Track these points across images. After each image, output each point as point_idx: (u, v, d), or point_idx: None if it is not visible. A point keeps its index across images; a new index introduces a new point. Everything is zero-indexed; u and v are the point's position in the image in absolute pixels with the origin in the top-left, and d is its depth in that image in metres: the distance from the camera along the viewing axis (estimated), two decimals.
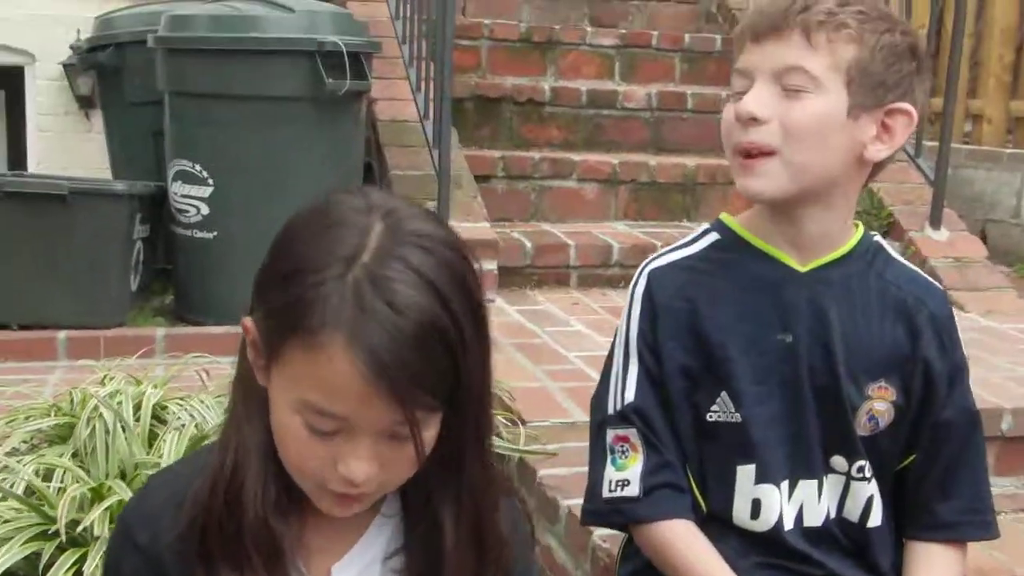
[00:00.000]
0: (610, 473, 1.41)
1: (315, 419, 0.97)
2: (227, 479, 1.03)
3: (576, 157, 3.98)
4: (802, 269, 1.40)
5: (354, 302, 0.94)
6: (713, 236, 1.46)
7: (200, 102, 3.28)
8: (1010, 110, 4.77)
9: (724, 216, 1.47)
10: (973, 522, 1.47)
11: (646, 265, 1.45)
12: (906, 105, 1.35)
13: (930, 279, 1.49)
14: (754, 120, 1.31)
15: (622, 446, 1.41)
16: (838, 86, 1.31)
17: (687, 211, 4.03)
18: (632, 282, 1.46)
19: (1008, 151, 4.62)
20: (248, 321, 1.03)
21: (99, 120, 5.14)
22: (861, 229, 1.44)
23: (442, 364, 0.96)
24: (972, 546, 2.15)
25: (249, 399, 1.05)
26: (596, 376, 2.63)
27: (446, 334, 0.96)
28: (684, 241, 1.47)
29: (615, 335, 1.48)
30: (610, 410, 1.43)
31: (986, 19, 4.90)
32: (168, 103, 3.38)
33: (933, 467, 1.44)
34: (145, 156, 3.70)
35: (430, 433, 1.00)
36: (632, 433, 1.40)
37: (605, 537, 1.86)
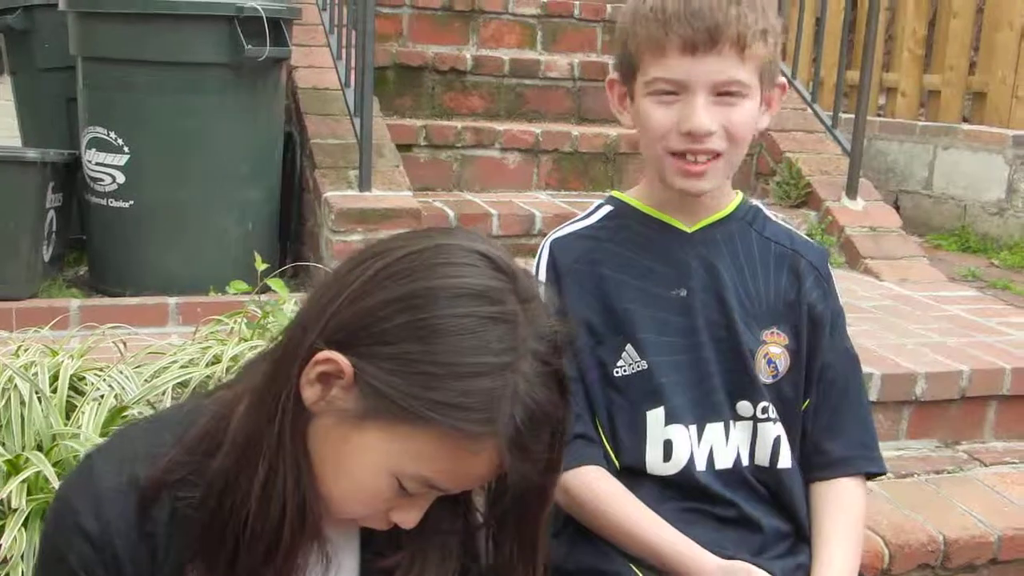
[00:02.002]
0: None
1: (415, 487, 1.00)
2: (260, 488, 1.01)
3: (499, 127, 3.97)
4: (689, 230, 1.53)
5: (513, 412, 0.97)
6: (607, 208, 1.58)
7: (115, 68, 3.20)
8: (923, 83, 4.86)
9: (615, 192, 1.60)
10: (864, 456, 1.57)
11: (548, 238, 1.56)
12: (782, 80, 1.51)
13: (806, 237, 1.64)
14: (708, 134, 1.41)
15: None
16: (757, 84, 1.43)
17: (610, 180, 4.04)
18: (536, 254, 1.55)
19: (921, 123, 4.72)
20: (342, 361, 0.99)
21: (6, 86, 4.99)
22: (740, 195, 1.58)
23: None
24: (889, 507, 2.22)
25: (295, 421, 1.03)
26: None
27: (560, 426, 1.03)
28: (581, 215, 1.60)
29: None
30: None
31: None
32: (81, 69, 3.29)
33: (823, 408, 1.54)
34: (57, 123, 3.60)
35: None
36: None
37: None
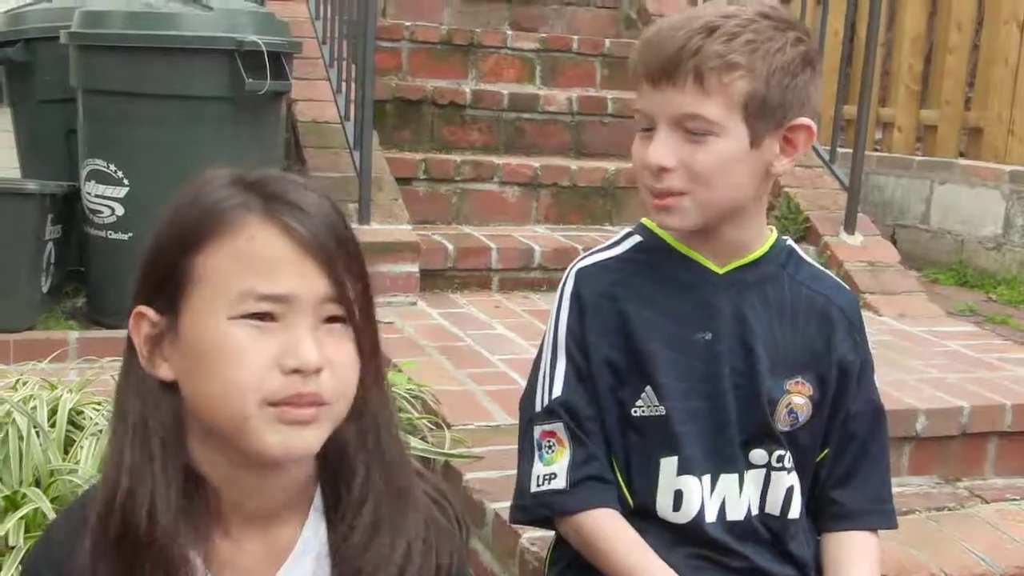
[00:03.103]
0: (537, 468, 1.45)
1: (255, 306, 0.99)
2: (123, 495, 1.00)
3: (498, 160, 3.98)
4: (720, 271, 1.46)
5: (260, 199, 1.01)
6: (636, 239, 1.51)
7: (115, 100, 3.20)
8: (919, 118, 4.89)
9: (645, 220, 1.51)
10: (878, 511, 1.54)
11: (573, 266, 1.50)
12: (806, 120, 1.40)
13: (839, 280, 1.57)
14: (662, 169, 1.35)
15: (549, 441, 1.45)
16: (737, 123, 1.35)
17: (608, 215, 4.05)
18: (560, 283, 1.50)
19: (918, 158, 4.74)
20: (141, 309, 1.04)
21: (5, 118, 5.00)
22: (774, 234, 1.51)
23: (350, 258, 1.02)
24: (892, 544, 2.21)
25: (145, 402, 1.03)
26: (520, 379, 2.64)
27: (347, 231, 1.04)
28: (609, 243, 1.53)
29: (543, 337, 1.51)
30: (538, 407, 1.46)
31: (896, 29, 5.03)
32: (81, 101, 3.29)
33: (842, 458, 1.51)
34: (57, 155, 3.60)
35: (350, 348, 1.03)
36: (559, 427, 1.44)
37: (534, 540, 1.85)
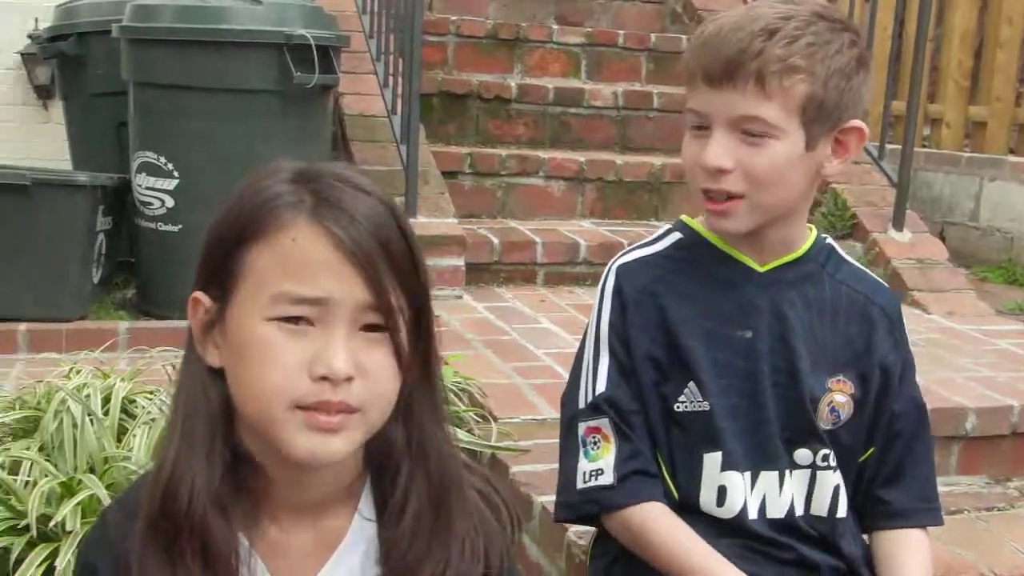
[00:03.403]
0: (583, 465, 1.45)
1: (290, 309, 0.98)
2: (166, 477, 1.01)
3: (543, 155, 3.98)
4: (760, 269, 1.46)
5: (311, 200, 1.00)
6: (676, 235, 1.51)
7: (166, 93, 3.25)
8: (968, 114, 4.84)
9: (685, 217, 1.52)
10: (925, 509, 1.53)
11: (614, 262, 1.50)
12: (857, 123, 1.41)
13: (878, 279, 1.57)
14: (720, 171, 1.35)
15: (594, 437, 1.45)
16: (795, 126, 1.35)
17: (654, 210, 4.04)
18: (601, 279, 1.50)
19: (966, 155, 4.69)
20: (197, 295, 1.05)
21: (57, 111, 5.06)
22: (815, 232, 1.50)
23: (397, 266, 1.01)
24: (939, 544, 2.18)
25: (195, 386, 1.05)
26: (565, 373, 2.62)
27: (399, 240, 1.02)
28: (649, 239, 1.53)
29: (584, 333, 1.51)
30: (581, 404, 1.47)
31: (946, 25, 4.97)
32: (133, 94, 3.33)
33: (888, 457, 1.51)
34: (108, 147, 3.65)
35: (388, 357, 1.02)
36: (604, 423, 1.44)
37: (580, 533, 1.85)
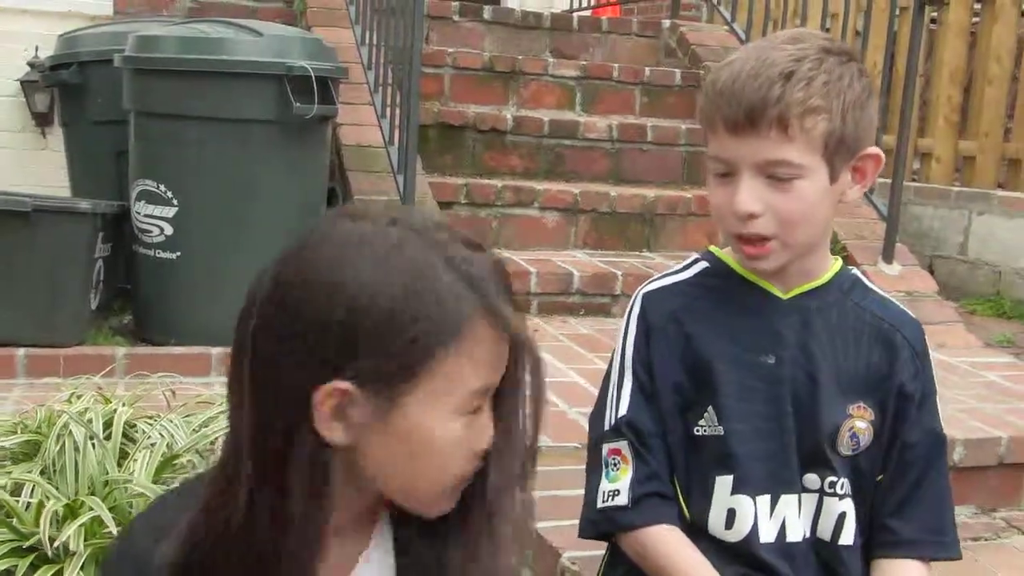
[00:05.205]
0: (603, 485, 1.49)
1: (474, 402, 1.02)
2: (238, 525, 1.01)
3: (538, 186, 4.02)
4: (784, 296, 1.49)
5: (480, 300, 1.01)
6: (703, 264, 1.55)
7: (166, 122, 3.29)
8: (958, 149, 4.89)
9: (712, 248, 1.56)
10: (935, 542, 1.53)
11: (641, 290, 1.54)
12: (874, 150, 1.44)
13: (904, 308, 1.57)
14: (751, 216, 1.39)
15: (615, 459, 1.49)
16: (818, 162, 1.38)
17: (647, 241, 4.09)
18: (628, 306, 1.54)
19: (956, 189, 4.74)
20: (342, 384, 0.98)
21: (55, 138, 5.09)
22: (839, 262, 1.53)
23: None
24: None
25: (307, 461, 1.00)
26: (560, 402, 2.68)
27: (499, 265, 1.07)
28: (675, 269, 1.57)
29: (611, 358, 1.56)
30: (606, 426, 1.51)
31: (935, 60, 5.04)
32: (133, 123, 3.37)
33: (899, 486, 1.51)
34: (107, 175, 3.69)
35: None
36: (624, 445, 1.48)
37: (575, 559, 1.88)
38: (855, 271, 1.56)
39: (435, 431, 1.01)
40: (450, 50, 4.49)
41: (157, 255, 3.30)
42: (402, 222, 1.03)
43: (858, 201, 4.13)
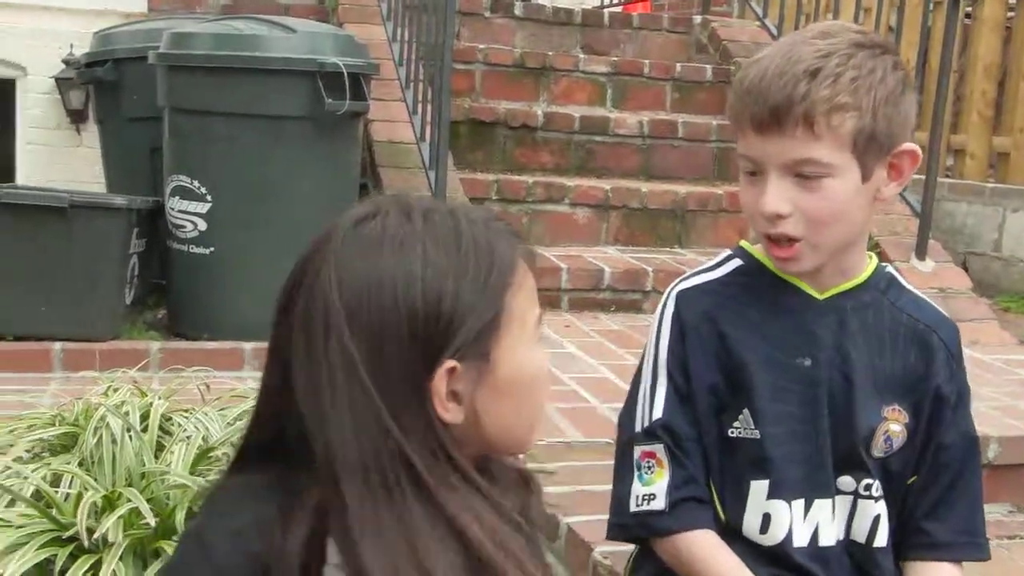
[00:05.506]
0: (636, 488, 1.46)
1: (538, 330, 1.09)
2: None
3: (569, 182, 4.03)
4: (820, 297, 1.46)
5: (518, 241, 1.09)
6: (736, 262, 1.51)
7: (200, 119, 3.31)
8: (992, 145, 4.85)
9: (744, 243, 1.53)
10: (968, 543, 1.52)
11: (673, 288, 1.51)
12: (910, 146, 1.40)
13: (940, 308, 1.55)
14: (778, 216, 1.37)
15: (648, 462, 1.46)
16: (848, 160, 1.35)
17: (678, 237, 4.08)
18: (660, 304, 1.51)
19: (990, 185, 4.70)
20: (448, 364, 1.01)
21: (89, 135, 5.15)
22: (875, 260, 1.50)
23: None
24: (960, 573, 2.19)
25: (433, 446, 1.02)
26: (591, 398, 2.68)
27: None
28: (708, 265, 1.53)
29: (642, 356, 1.53)
30: (637, 427, 1.47)
31: (969, 55, 5.00)
32: (168, 119, 3.40)
33: (932, 488, 1.49)
34: (141, 171, 3.72)
35: None
36: (659, 449, 1.45)
37: (606, 553, 1.89)
38: (890, 269, 1.53)
39: (528, 367, 1.07)
40: (481, 46, 4.50)
41: (191, 250, 3.33)
42: (407, 202, 1.08)
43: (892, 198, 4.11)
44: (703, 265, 1.55)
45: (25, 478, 1.86)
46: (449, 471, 1.03)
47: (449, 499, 1.02)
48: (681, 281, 1.51)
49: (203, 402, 2.35)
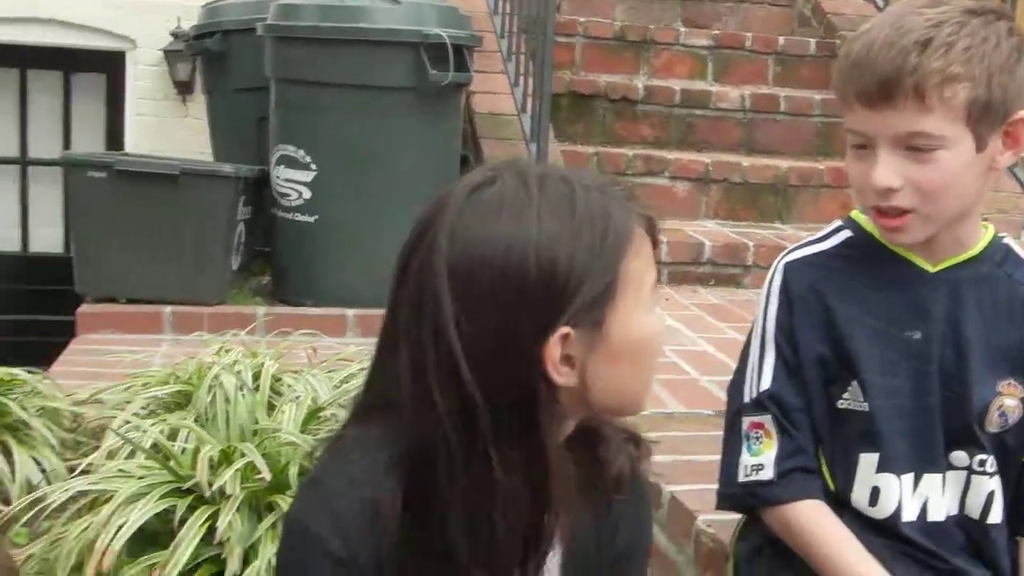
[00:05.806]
0: (745, 459, 1.46)
1: (652, 296, 1.11)
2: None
3: (668, 155, 4.01)
4: (932, 269, 1.43)
5: (631, 205, 1.11)
6: (846, 233, 1.49)
7: (306, 89, 3.37)
8: None
9: (855, 214, 1.50)
10: None
11: (781, 259, 1.50)
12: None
13: None
14: (889, 190, 1.34)
15: (756, 432, 1.46)
16: (961, 131, 1.32)
17: (779, 213, 4.04)
18: (768, 276, 1.50)
19: None
20: (563, 331, 1.04)
21: (195, 105, 5.28)
22: (991, 231, 1.46)
23: None
24: None
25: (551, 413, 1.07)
26: (691, 370, 2.68)
27: None
28: (817, 237, 1.52)
29: (751, 328, 1.53)
30: (746, 398, 1.47)
31: None
32: (274, 90, 3.46)
33: None
34: (248, 141, 3.79)
35: None
36: (767, 420, 1.45)
37: (710, 522, 1.89)
38: (1007, 239, 1.49)
39: (642, 332, 1.09)
40: (581, 19, 4.48)
41: (295, 218, 3.39)
42: (523, 169, 1.10)
43: (999, 174, 4.01)
44: (812, 236, 1.53)
45: (144, 432, 1.93)
46: (528, 436, 1.05)
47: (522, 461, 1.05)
48: (789, 252, 1.50)
49: (310, 365, 2.40)
